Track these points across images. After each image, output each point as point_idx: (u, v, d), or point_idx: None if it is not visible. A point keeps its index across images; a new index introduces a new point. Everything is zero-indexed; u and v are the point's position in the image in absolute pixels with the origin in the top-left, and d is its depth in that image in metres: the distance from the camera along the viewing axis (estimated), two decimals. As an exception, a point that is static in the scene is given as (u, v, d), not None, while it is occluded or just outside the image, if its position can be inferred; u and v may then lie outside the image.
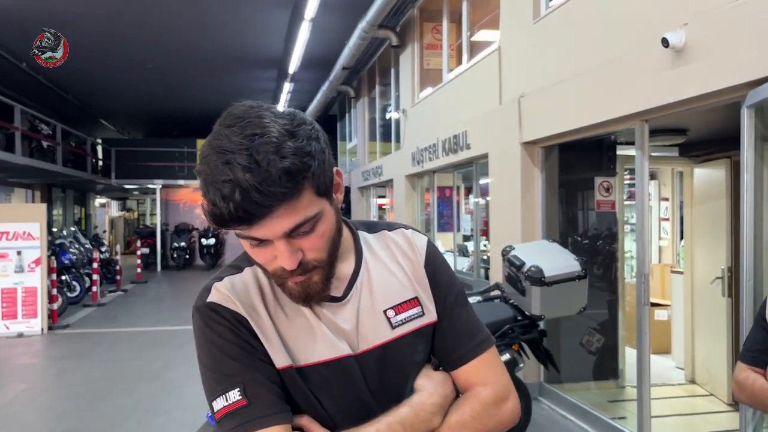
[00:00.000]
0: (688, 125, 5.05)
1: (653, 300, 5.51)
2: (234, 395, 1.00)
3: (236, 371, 1.01)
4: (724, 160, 5.31)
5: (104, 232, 22.04)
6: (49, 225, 13.01)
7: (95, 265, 11.67)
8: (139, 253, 16.36)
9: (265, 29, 11.41)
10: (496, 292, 4.24)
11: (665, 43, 3.44)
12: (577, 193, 5.98)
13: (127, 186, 20.29)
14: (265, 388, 1.01)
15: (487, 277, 6.95)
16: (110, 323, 9.77)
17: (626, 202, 5.76)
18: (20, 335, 8.57)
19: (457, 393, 1.15)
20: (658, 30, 3.53)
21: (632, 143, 4.29)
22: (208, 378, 1.04)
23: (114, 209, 27.52)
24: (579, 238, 5.87)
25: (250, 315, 1.05)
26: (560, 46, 4.98)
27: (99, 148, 19.38)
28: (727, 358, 5.05)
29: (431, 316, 1.16)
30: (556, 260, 3.83)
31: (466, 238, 8.65)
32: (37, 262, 8.73)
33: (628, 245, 5.99)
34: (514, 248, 3.99)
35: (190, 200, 21.22)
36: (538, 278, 3.68)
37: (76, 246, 12.07)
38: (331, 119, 18.61)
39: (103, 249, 14.81)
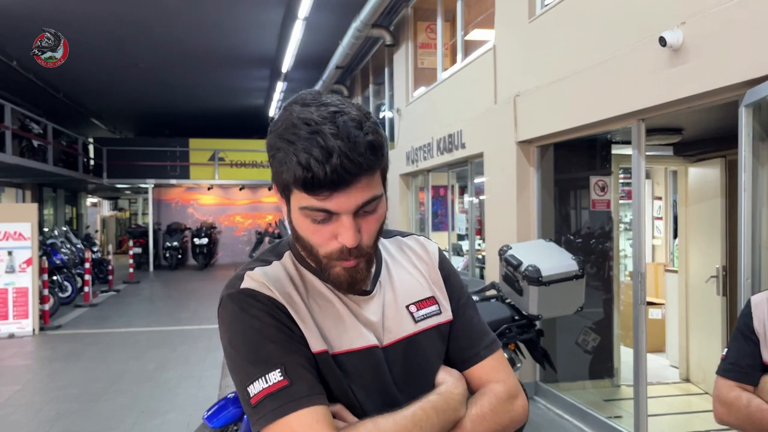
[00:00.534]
0: (684, 124, 5.05)
1: (647, 299, 5.52)
2: (275, 376, 1.01)
3: (276, 354, 1.02)
4: (719, 160, 5.33)
5: (96, 231, 21.95)
6: (40, 225, 12.91)
7: (87, 265, 11.58)
8: (131, 252, 16.26)
9: (258, 28, 11.37)
10: (493, 292, 4.23)
11: (662, 42, 3.44)
12: (573, 192, 5.99)
13: (118, 185, 20.19)
14: (305, 370, 1.03)
15: (482, 277, 6.95)
16: (103, 324, 9.70)
17: (621, 201, 5.77)
18: (11, 336, 8.50)
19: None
20: (656, 29, 3.54)
21: (627, 142, 4.29)
22: (242, 362, 1.04)
23: (106, 209, 27.39)
24: (574, 237, 5.88)
25: (287, 301, 1.08)
26: (556, 45, 4.97)
27: (90, 148, 19.26)
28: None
29: (447, 314, 1.22)
30: (553, 260, 3.83)
31: (461, 238, 8.65)
32: (29, 262, 8.65)
33: (623, 244, 6.00)
34: (511, 248, 3.99)
35: (183, 200, 21.14)
36: (535, 278, 3.68)
37: (68, 246, 11.98)
38: (324, 118, 18.57)
39: (95, 249, 14.73)
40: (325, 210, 1.00)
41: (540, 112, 5.07)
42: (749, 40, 3.00)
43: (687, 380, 5.89)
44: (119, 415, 5.25)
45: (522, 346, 4.05)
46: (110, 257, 14.42)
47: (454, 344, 1.22)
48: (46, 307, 9.29)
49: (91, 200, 24.89)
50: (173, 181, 19.51)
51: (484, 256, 6.74)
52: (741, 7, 3.05)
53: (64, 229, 14.02)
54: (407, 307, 1.18)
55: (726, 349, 1.66)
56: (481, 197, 6.91)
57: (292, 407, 0.99)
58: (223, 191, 21.14)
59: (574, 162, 5.79)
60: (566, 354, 5.49)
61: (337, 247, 1.03)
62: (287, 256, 1.15)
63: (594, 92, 4.36)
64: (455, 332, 1.22)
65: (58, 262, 10.87)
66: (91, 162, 18.93)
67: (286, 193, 1.05)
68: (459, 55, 7.59)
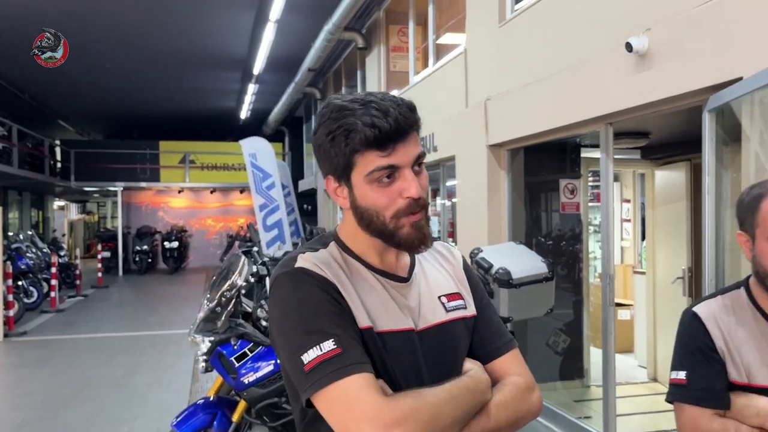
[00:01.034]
0: (651, 128, 5.15)
1: (616, 300, 5.61)
2: (329, 345, 1.09)
3: (329, 325, 1.12)
4: (684, 163, 5.43)
5: (63, 235, 21.50)
6: (5, 229, 12.63)
7: (53, 269, 11.36)
8: (99, 257, 15.98)
9: (229, 30, 11.28)
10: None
11: (629, 47, 3.50)
12: (543, 195, 6.05)
13: (87, 188, 19.85)
14: (355, 341, 1.13)
15: (454, 279, 6.97)
16: (70, 329, 9.51)
17: (590, 204, 5.85)
18: (-25, 343, 8.30)
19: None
20: (623, 35, 3.59)
21: (596, 146, 4.35)
22: (296, 334, 1.13)
23: (73, 212, 26.87)
24: (544, 240, 5.94)
25: (337, 280, 1.19)
26: (526, 50, 5.03)
27: (57, 150, 18.90)
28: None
29: (472, 310, 1.34)
30: (523, 262, 3.85)
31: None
32: (-7, 267, 8.46)
33: (592, 246, 6.08)
34: (482, 250, 4.01)
35: (153, 203, 20.86)
36: (505, 280, 3.70)
37: (34, 250, 11.75)
38: (297, 121, 18.51)
39: (62, 253, 14.44)
40: (391, 165, 1.14)
41: (510, 115, 5.12)
42: (712, 47, 3.07)
43: (654, 380, 5.99)
44: (86, 422, 5.15)
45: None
46: (78, 261, 14.15)
47: (477, 338, 1.32)
48: (11, 313, 9.09)
49: (58, 203, 24.40)
50: (143, 184, 19.24)
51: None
52: (703, 15, 3.11)
53: (30, 233, 13.74)
54: (439, 297, 1.30)
55: (685, 373, 1.52)
56: (453, 200, 6.94)
57: (345, 372, 1.08)
58: (194, 194, 20.92)
59: (545, 165, 5.85)
60: (537, 355, 5.54)
61: (404, 203, 1.16)
62: (332, 245, 1.27)
63: (563, 96, 4.42)
64: (479, 328, 1.33)
65: (23, 266, 10.65)
66: (58, 165, 18.57)
67: (347, 172, 1.18)
68: (431, 59, 7.63)
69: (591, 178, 6.14)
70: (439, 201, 8.04)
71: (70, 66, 13.14)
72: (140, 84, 15.31)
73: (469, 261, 4.10)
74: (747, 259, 1.57)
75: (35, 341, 8.66)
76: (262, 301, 3.60)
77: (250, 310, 3.58)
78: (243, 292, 3.78)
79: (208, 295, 3.44)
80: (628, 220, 8.24)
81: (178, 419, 3.30)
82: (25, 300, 10.44)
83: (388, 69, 9.56)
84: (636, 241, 8.11)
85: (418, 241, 1.19)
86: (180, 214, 20.91)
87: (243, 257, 3.63)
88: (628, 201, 8.21)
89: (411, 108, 1.17)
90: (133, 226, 19.82)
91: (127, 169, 18.60)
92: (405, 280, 1.27)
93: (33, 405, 5.64)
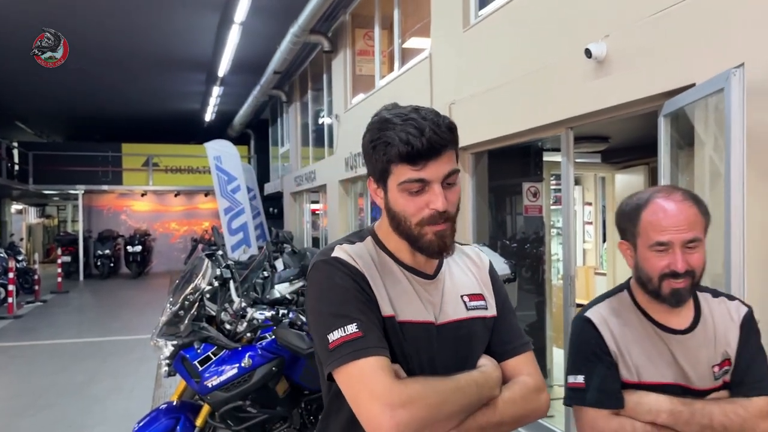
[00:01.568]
0: (610, 133, 5.27)
1: (578, 301, 5.70)
2: (351, 328, 1.23)
3: (355, 311, 1.25)
4: (643, 167, 5.58)
5: (21, 239, 20.96)
6: (-40, 233, 12.25)
7: (11, 274, 11.07)
8: (59, 261, 15.61)
9: (194, 32, 11.17)
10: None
11: (588, 53, 3.58)
12: (506, 198, 6.14)
13: (46, 192, 19.38)
14: (376, 327, 1.25)
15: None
16: (28, 336, 9.28)
17: (552, 207, 5.95)
18: (-73, 351, 8.04)
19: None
20: (583, 41, 3.67)
21: (558, 150, 4.44)
22: (325, 315, 1.27)
23: (32, 216, 26.21)
24: (508, 242, 6.02)
25: (367, 273, 1.31)
26: (489, 55, 5.10)
27: (15, 152, 18.42)
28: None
29: (493, 311, 1.44)
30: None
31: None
32: (-53, 272, 8.21)
33: (555, 248, 6.18)
34: (446, 252, 4.04)
35: (115, 206, 20.48)
36: (469, 282, 3.75)
37: (-10, 255, 11.41)
38: (263, 123, 18.40)
39: (20, 258, 14.08)
40: (421, 179, 1.25)
41: (474, 120, 5.18)
42: (666, 54, 3.16)
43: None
44: (45, 431, 5.03)
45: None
46: (36, 266, 13.81)
47: (495, 338, 1.42)
48: (-34, 319, 8.83)
49: (16, 207, 23.77)
50: (105, 187, 18.89)
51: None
52: (658, 23, 3.21)
53: (-14, 237, 13.36)
54: (462, 296, 1.40)
55: (583, 377, 1.57)
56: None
57: (363, 353, 1.20)
58: (158, 197, 20.60)
59: (508, 169, 5.94)
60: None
61: (428, 213, 1.27)
62: (369, 240, 1.40)
63: (525, 101, 4.49)
64: (498, 328, 1.43)
65: (-22, 271, 10.35)
66: (16, 167, 18.10)
67: (384, 177, 1.30)
68: (396, 63, 7.68)
69: (553, 182, 6.25)
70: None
71: (30, 66, 12.87)
72: (103, 85, 15.02)
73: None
74: (629, 266, 1.65)
75: (-9, 348, 8.43)
76: (226, 305, 3.57)
77: (213, 313, 3.55)
78: (207, 296, 3.75)
79: (171, 299, 3.40)
80: (590, 223, 8.40)
81: (140, 424, 3.25)
82: (-19, 306, 10.16)
83: (354, 72, 9.59)
84: (597, 244, 8.28)
85: (439, 249, 1.31)
86: (143, 217, 20.57)
87: (207, 260, 3.60)
88: (589, 204, 8.38)
89: (450, 128, 1.27)
90: (94, 229, 19.41)
91: (89, 171, 18.23)
92: (431, 277, 1.38)
93: (-11, 413, 5.50)
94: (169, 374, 3.35)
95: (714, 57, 2.83)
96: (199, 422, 3.27)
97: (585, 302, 6.06)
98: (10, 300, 11.05)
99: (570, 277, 4.26)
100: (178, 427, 3.24)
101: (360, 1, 9.08)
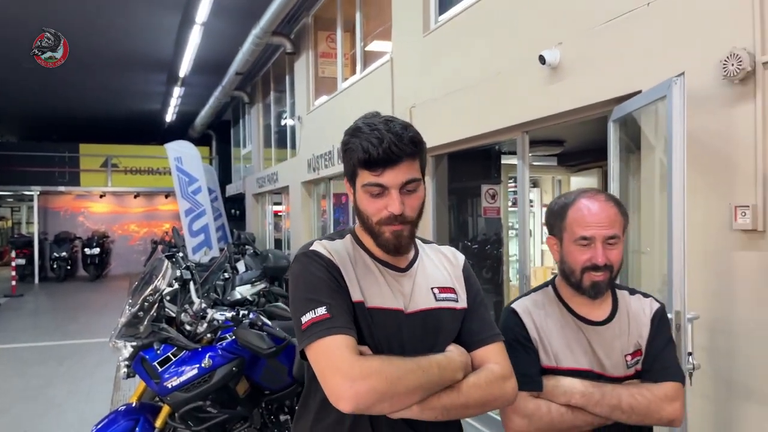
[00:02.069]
0: (565, 137, 5.42)
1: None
2: (321, 310, 1.36)
3: (325, 297, 1.38)
4: (597, 170, 5.75)
5: (-27, 242, 20.34)
6: None
7: (-37, 278, 10.75)
8: (13, 264, 15.20)
9: (154, 31, 11.02)
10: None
11: (542, 60, 3.70)
12: (466, 200, 6.25)
13: (-1, 192, 18.85)
14: (344, 311, 1.38)
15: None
16: (-19, 340, 9.03)
17: (510, 209, 6.09)
18: None
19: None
20: (537, 48, 3.79)
21: (515, 153, 4.56)
22: (301, 300, 1.40)
23: (-16, 218, 25.43)
24: (469, 243, 6.14)
25: (341, 264, 1.45)
26: (449, 60, 5.20)
27: (-33, 152, 17.87)
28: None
29: (463, 303, 1.55)
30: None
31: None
32: None
33: (513, 249, 6.32)
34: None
35: (72, 208, 20.02)
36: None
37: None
38: (225, 125, 18.24)
39: (-28, 261, 13.67)
40: (379, 184, 1.39)
41: (434, 123, 5.27)
42: (615, 62, 3.30)
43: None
44: (-1, 436, 4.94)
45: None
46: (-11, 269, 13.43)
47: (466, 329, 1.53)
48: None
49: (-33, 208, 23.06)
50: (62, 188, 18.45)
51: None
52: (608, 31, 3.34)
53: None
54: (432, 288, 1.52)
55: None
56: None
57: (330, 332, 1.33)
58: (117, 199, 20.21)
59: (467, 171, 6.04)
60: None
61: (386, 215, 1.41)
62: (348, 237, 1.54)
63: (482, 105, 4.60)
64: (468, 319, 1.54)
65: (-72, 275, 10.03)
66: (-32, 167, 17.57)
67: (353, 179, 1.45)
68: (358, 66, 7.73)
69: (511, 184, 6.39)
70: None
71: (-18, 64, 12.54)
72: (60, 85, 14.68)
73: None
74: (554, 260, 1.78)
75: (-58, 354, 8.19)
76: (186, 306, 3.57)
77: (174, 314, 3.55)
78: (167, 298, 3.74)
79: (131, 300, 3.39)
80: (548, 224, 8.58)
81: (98, 427, 3.23)
82: (-69, 310, 9.84)
83: (317, 74, 9.61)
84: (555, 244, 8.46)
85: (394, 247, 1.45)
86: (102, 219, 20.15)
87: (166, 261, 3.59)
88: (547, 206, 8.56)
89: (413, 141, 1.41)
90: (50, 231, 18.93)
91: (45, 172, 17.79)
92: (403, 270, 1.51)
93: (-60, 420, 5.36)
94: (128, 375, 3.34)
95: (659, 66, 2.97)
96: (158, 423, 3.26)
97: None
98: (-39, 304, 10.74)
99: (526, 276, 4.38)
100: (137, 429, 3.23)
101: (322, 4, 9.11)
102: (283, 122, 12.04)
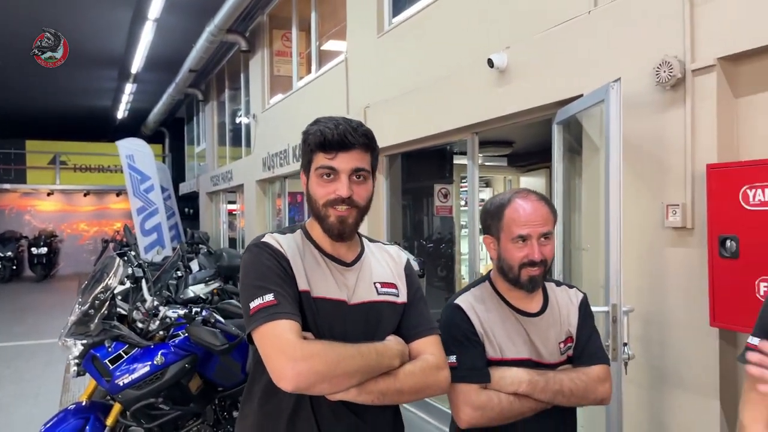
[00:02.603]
0: (514, 138, 5.57)
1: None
2: (269, 297, 1.45)
3: (272, 284, 1.47)
4: (544, 170, 5.93)
5: None
6: None
7: None
8: (-45, 264, 14.67)
9: (105, 27, 10.80)
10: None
11: (490, 63, 3.82)
12: (420, 199, 6.36)
13: (-61, 190, 18.15)
14: (290, 298, 1.47)
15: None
16: None
17: (462, 208, 6.23)
18: None
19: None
20: (486, 51, 3.91)
21: (466, 153, 4.68)
22: (250, 287, 1.48)
23: (-77, 216, 24.41)
24: (424, 242, 6.25)
25: (290, 256, 1.54)
26: (402, 61, 5.29)
27: None
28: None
29: (403, 298, 1.66)
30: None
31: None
32: None
33: (465, 247, 6.46)
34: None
35: (18, 206, 19.41)
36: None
37: None
38: (179, 122, 17.98)
39: None
40: (331, 167, 1.50)
41: (387, 123, 5.36)
42: (560, 66, 3.44)
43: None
44: (-58, 440, 4.81)
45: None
46: (-71, 270, 12.93)
47: (405, 322, 1.63)
48: None
49: None
50: (6, 186, 17.88)
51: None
52: (553, 36, 3.48)
53: None
54: (374, 283, 1.62)
55: (455, 357, 1.73)
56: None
57: (275, 317, 1.42)
58: (66, 197, 19.69)
59: (421, 171, 6.16)
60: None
61: (334, 197, 1.51)
62: (298, 231, 1.63)
63: (435, 106, 4.70)
64: (408, 313, 1.64)
65: None
66: None
67: (308, 167, 1.55)
68: (314, 65, 7.77)
69: (464, 184, 6.54)
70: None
71: None
72: (5, 79, 14.25)
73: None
74: (491, 258, 1.89)
75: None
76: (138, 304, 3.56)
77: (125, 312, 3.54)
78: (119, 297, 3.72)
79: (81, 299, 3.37)
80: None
81: (47, 426, 3.21)
82: None
83: (272, 73, 9.59)
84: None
85: (338, 232, 1.54)
86: (49, 217, 19.59)
87: (118, 259, 3.58)
88: (499, 205, 8.74)
89: (365, 134, 1.54)
90: (-6, 231, 18.34)
91: (-12, 170, 17.24)
92: (348, 265, 1.60)
93: None
94: (79, 374, 3.31)
95: (599, 71, 3.12)
96: (109, 421, 3.25)
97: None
98: None
99: (476, 273, 4.50)
100: (87, 427, 3.22)
101: (277, 3, 9.10)
102: (237, 120, 11.96)
